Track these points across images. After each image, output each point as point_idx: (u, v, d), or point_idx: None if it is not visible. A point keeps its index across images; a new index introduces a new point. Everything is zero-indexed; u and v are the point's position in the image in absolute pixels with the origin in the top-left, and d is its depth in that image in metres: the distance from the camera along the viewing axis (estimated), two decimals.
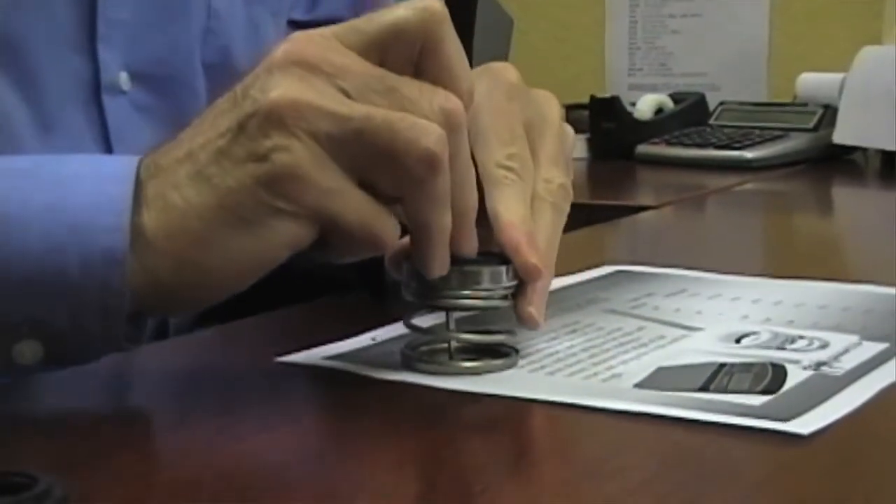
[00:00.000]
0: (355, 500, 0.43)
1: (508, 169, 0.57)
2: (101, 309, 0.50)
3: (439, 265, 0.53)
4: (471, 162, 0.53)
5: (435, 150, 0.49)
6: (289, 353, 0.58)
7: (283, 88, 0.49)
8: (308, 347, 0.59)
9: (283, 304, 0.69)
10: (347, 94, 0.50)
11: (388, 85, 0.50)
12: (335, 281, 0.72)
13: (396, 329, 0.61)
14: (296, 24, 0.88)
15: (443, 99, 0.51)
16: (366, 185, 0.51)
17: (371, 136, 0.49)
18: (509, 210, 0.56)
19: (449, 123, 0.50)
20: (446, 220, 0.52)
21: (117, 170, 0.51)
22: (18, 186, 0.51)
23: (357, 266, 0.70)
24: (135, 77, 0.74)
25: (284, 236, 0.50)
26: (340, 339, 0.60)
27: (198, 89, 0.77)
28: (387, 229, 0.51)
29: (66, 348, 0.51)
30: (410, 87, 0.51)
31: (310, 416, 0.54)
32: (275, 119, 0.49)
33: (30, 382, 0.55)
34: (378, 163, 0.50)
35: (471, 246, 0.54)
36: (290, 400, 0.54)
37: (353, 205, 0.50)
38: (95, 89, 0.72)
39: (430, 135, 0.50)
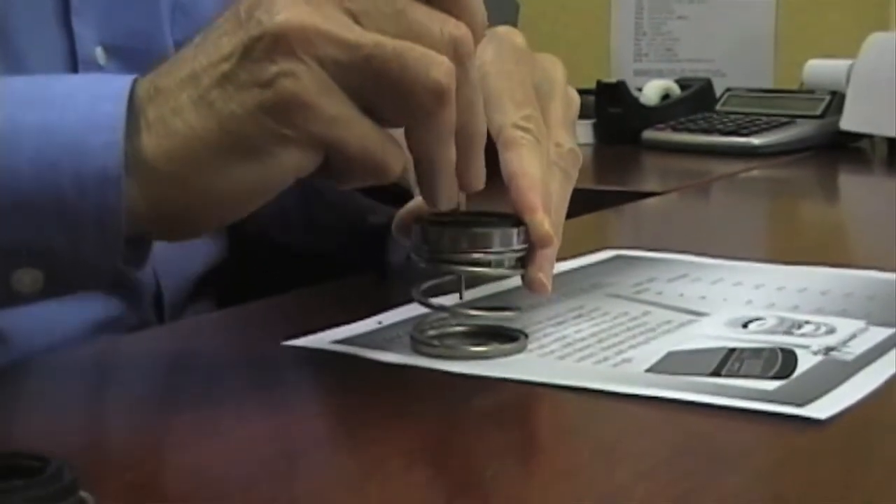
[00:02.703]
0: (364, 484, 0.42)
1: (525, 130, 0.57)
2: (98, 229, 0.50)
3: (447, 197, 0.53)
4: (479, 89, 0.52)
5: (443, 82, 0.49)
6: (295, 336, 0.58)
7: (290, 12, 0.48)
8: (314, 331, 0.58)
9: (284, 289, 0.68)
10: (355, 17, 0.49)
11: (397, 8, 0.49)
12: (336, 263, 0.72)
13: (403, 312, 0.61)
14: None
15: (452, 26, 0.50)
16: (369, 111, 0.50)
17: (379, 66, 0.48)
18: (527, 172, 0.55)
19: (457, 52, 0.50)
20: (451, 152, 0.51)
21: (111, 89, 0.50)
22: (9, 107, 0.50)
23: (359, 245, 0.69)
24: (110, 52, 0.74)
25: (289, 163, 0.49)
26: (346, 322, 0.60)
27: None
28: (392, 157, 0.51)
29: (65, 273, 0.51)
30: (420, 12, 0.50)
31: (317, 401, 0.54)
32: (281, 44, 0.48)
33: (37, 366, 0.55)
34: (384, 92, 0.49)
35: (479, 179, 0.53)
36: (297, 384, 0.54)
37: (358, 132, 0.49)
38: (73, 64, 0.71)
39: (439, 66, 0.49)
